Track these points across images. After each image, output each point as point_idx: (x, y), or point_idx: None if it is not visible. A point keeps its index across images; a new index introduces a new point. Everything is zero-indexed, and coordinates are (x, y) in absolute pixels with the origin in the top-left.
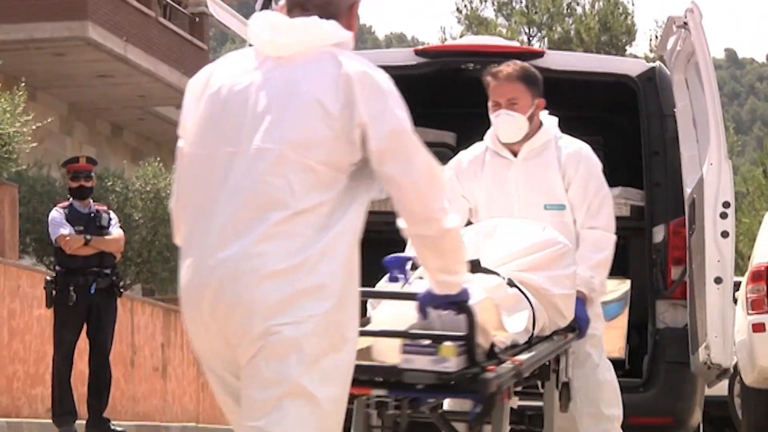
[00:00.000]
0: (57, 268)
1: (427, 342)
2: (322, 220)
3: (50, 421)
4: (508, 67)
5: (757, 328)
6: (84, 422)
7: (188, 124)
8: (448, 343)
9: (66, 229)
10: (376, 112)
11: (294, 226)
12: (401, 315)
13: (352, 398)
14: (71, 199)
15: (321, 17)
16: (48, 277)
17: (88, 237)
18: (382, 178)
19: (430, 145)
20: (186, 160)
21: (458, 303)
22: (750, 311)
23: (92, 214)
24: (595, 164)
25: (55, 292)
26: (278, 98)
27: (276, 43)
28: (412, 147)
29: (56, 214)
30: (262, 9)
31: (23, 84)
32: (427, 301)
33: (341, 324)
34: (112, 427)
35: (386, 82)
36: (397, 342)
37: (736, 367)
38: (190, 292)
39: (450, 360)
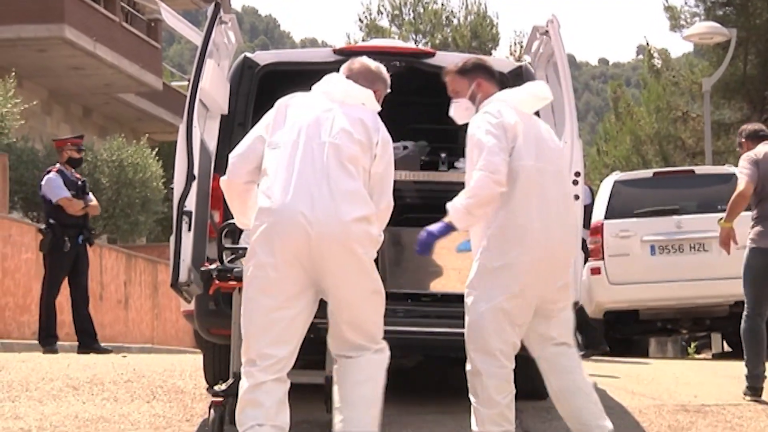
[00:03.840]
0: (51, 221)
1: None
2: None
3: (36, 342)
4: (447, 66)
5: (595, 271)
6: (69, 344)
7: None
8: None
9: (67, 193)
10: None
11: None
12: None
13: None
14: (58, 166)
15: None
16: (42, 227)
17: (86, 204)
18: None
19: None
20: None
21: None
22: (589, 258)
23: (79, 182)
24: (471, 132)
25: (52, 241)
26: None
27: (349, 95)
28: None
29: (55, 177)
30: (211, 20)
31: (13, 74)
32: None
33: None
34: (102, 346)
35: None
36: None
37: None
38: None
39: None
